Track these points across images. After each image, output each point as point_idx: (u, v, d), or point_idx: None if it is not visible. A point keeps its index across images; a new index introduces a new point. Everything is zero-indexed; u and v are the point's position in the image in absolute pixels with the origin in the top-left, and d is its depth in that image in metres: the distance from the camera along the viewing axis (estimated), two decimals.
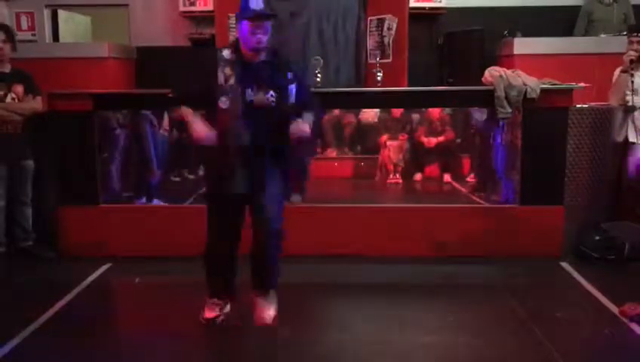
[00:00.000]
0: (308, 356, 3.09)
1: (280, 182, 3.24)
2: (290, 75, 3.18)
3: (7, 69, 4.50)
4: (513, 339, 3.30)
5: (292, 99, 3.17)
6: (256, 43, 3.09)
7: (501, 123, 4.75)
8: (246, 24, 3.08)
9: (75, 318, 3.58)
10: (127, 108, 4.93)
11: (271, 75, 3.14)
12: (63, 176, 4.63)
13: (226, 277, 3.40)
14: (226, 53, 3.16)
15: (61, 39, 5.92)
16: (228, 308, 3.44)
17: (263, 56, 3.17)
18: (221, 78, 3.09)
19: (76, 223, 4.61)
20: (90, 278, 4.20)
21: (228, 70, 3.10)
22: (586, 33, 5.83)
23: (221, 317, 3.38)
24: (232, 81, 3.09)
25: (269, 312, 3.29)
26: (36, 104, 4.55)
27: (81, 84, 4.90)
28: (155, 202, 4.95)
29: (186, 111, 3.14)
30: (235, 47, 3.19)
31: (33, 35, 5.87)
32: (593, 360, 3.09)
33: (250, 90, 3.10)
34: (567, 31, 6.00)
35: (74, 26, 6.21)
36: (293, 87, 3.17)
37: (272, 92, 3.12)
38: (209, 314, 3.36)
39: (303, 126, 3.10)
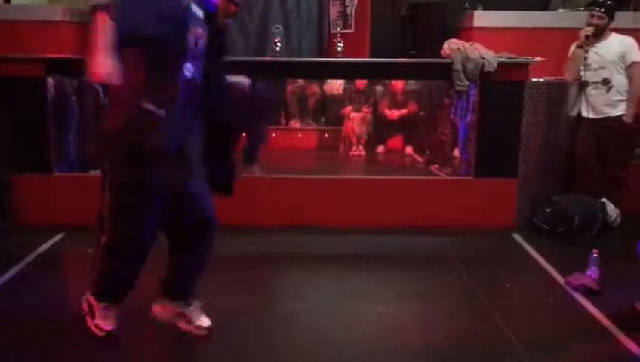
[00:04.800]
0: (258, 325, 3.11)
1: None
2: None
3: None
4: (462, 309, 3.39)
5: None
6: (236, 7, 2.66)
7: (459, 96, 4.80)
8: None
9: (24, 288, 3.53)
10: (81, 74, 4.80)
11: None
12: (14, 144, 4.51)
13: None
14: (195, 9, 2.53)
15: (13, 1, 5.70)
16: None
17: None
18: (191, 40, 2.49)
19: (29, 192, 4.52)
20: (42, 248, 4.14)
21: (199, 30, 2.53)
22: (563, 7, 5.81)
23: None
24: (201, 44, 2.53)
25: (204, 321, 2.87)
26: None
27: (33, 49, 4.73)
28: None
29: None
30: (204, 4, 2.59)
31: None
32: (535, 328, 3.17)
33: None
34: (540, 5, 5.96)
35: None
36: None
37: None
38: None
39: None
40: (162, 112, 2.46)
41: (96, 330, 2.84)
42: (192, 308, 2.87)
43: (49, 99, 4.55)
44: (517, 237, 4.48)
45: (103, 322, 2.84)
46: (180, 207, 2.67)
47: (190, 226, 2.73)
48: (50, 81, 4.56)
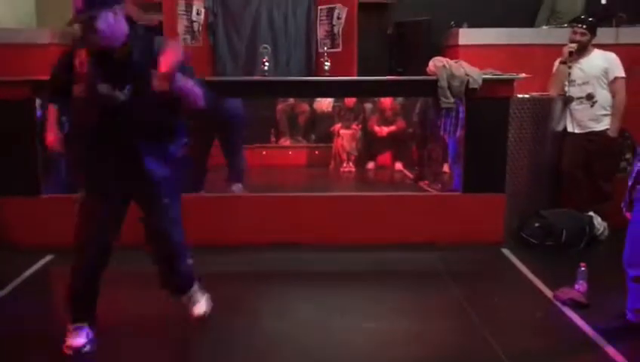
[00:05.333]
0: (246, 342, 3.11)
1: (167, 187, 2.96)
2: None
3: None
4: (451, 324, 3.39)
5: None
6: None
7: (446, 113, 4.84)
8: None
9: (14, 310, 3.52)
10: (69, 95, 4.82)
11: (129, 63, 2.74)
12: (1, 166, 4.50)
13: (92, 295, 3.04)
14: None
15: (1, 24, 5.73)
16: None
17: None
18: (76, 62, 2.75)
19: (16, 214, 4.50)
20: (31, 269, 4.12)
21: (82, 53, 2.74)
22: (549, 24, 5.92)
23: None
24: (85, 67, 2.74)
25: (198, 308, 3.23)
26: None
27: (21, 72, 4.74)
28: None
29: (50, 111, 2.96)
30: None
31: None
32: (524, 342, 3.18)
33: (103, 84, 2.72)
34: (527, 21, 6.07)
35: (16, 10, 6.02)
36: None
37: (128, 86, 2.72)
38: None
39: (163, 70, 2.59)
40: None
41: (66, 350, 2.95)
42: (188, 296, 3.24)
43: (37, 120, 4.54)
44: (505, 251, 4.50)
45: (72, 341, 2.96)
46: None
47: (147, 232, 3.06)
48: (38, 102, 4.56)
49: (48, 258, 4.33)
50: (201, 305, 3.25)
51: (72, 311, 3.01)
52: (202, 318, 3.23)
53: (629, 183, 3.15)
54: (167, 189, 2.96)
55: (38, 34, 5.17)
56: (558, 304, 3.54)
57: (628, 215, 3.17)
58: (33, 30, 5.46)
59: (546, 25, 5.86)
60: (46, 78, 4.56)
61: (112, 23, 2.67)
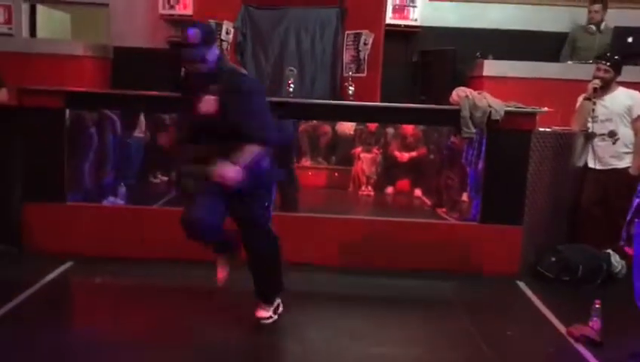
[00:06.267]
0: None
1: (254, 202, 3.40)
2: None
3: None
4: (462, 355, 3.38)
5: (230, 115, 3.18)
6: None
7: (468, 143, 4.87)
8: None
9: (27, 317, 3.58)
10: (98, 107, 4.96)
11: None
12: (29, 172, 4.62)
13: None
14: None
15: (38, 35, 5.93)
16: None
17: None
18: None
19: (41, 220, 4.60)
20: (50, 276, 4.19)
21: None
22: (571, 59, 5.98)
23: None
24: None
25: (259, 313, 3.56)
26: (1, 96, 4.53)
27: (56, 82, 4.90)
28: (111, 200, 4.98)
29: None
30: None
31: (9, 28, 5.86)
32: None
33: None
34: (550, 56, 6.13)
35: (52, 23, 6.22)
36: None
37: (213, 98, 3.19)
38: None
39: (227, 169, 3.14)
40: None
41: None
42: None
43: (67, 130, 4.67)
44: (520, 284, 4.48)
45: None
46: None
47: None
48: (68, 112, 4.69)
49: (68, 265, 4.41)
50: (266, 313, 3.56)
51: None
52: (258, 321, 3.53)
53: (627, 218, 3.14)
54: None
55: (73, 46, 5.33)
56: (571, 340, 3.52)
57: (629, 251, 3.15)
58: (68, 42, 5.63)
59: (570, 60, 5.90)
60: (78, 89, 4.79)
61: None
